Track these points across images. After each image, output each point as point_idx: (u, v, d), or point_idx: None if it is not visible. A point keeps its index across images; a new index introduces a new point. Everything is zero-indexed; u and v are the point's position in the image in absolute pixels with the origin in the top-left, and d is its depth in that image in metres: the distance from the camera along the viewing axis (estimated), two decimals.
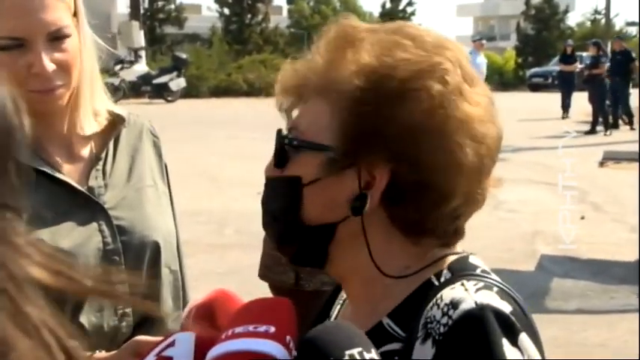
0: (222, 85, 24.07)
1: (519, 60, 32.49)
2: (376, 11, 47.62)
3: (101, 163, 1.50)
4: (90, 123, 1.49)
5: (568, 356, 4.45)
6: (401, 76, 0.91)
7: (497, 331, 0.86)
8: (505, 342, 0.87)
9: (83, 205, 1.45)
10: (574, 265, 6.34)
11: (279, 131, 0.98)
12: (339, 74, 0.93)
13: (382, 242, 0.96)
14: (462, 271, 0.95)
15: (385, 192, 0.92)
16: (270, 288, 2.16)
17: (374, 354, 0.80)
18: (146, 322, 1.46)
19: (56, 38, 1.37)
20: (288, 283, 3.32)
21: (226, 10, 31.07)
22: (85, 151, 1.50)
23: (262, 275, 2.15)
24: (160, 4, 31.85)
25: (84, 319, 1.41)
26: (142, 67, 22.65)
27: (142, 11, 28.48)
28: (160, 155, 1.60)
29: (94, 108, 1.49)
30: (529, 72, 29.50)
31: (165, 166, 1.61)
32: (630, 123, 16.03)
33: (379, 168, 0.92)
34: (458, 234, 0.99)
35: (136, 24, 25.33)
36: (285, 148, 0.96)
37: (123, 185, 1.50)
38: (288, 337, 0.85)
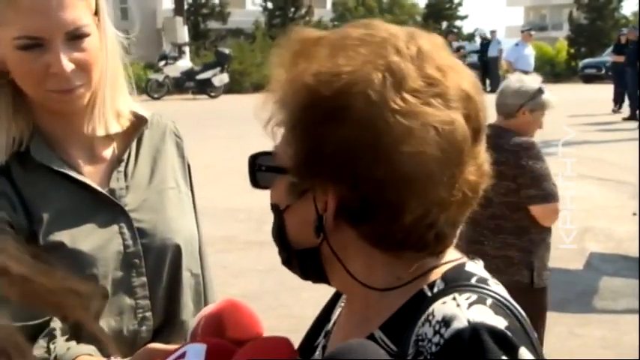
0: (265, 81, 23.97)
1: (572, 50, 31.74)
2: (422, 2, 47.09)
3: (123, 164, 1.47)
4: (112, 124, 1.46)
5: (617, 357, 4.32)
6: (329, 94, 0.88)
7: (494, 350, 0.81)
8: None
9: (104, 207, 1.42)
10: (624, 263, 6.17)
11: (252, 156, 0.99)
12: (289, 91, 0.91)
13: (362, 258, 0.93)
14: (456, 281, 0.91)
15: (340, 212, 0.90)
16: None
17: None
18: (166, 327, 1.45)
19: (75, 37, 1.34)
20: (523, 282, 3.33)
21: (270, 5, 31.18)
22: (107, 153, 1.47)
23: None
24: None
25: (103, 323, 1.38)
26: (185, 63, 22.84)
27: (185, 7, 28.72)
28: (182, 156, 1.56)
29: (116, 108, 1.46)
30: (582, 63, 28.75)
31: (189, 167, 1.58)
32: None
33: (327, 189, 0.90)
34: (443, 240, 0.93)
35: (179, 19, 25.54)
36: (260, 175, 0.97)
37: (145, 187, 1.47)
38: None
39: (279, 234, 0.96)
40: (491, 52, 22.64)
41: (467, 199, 0.91)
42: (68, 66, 1.33)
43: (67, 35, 1.33)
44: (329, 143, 0.88)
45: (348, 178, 0.88)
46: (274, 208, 0.96)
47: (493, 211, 3.28)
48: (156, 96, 20.43)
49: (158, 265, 1.43)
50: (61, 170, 1.40)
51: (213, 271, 1.59)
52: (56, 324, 1.34)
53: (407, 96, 0.87)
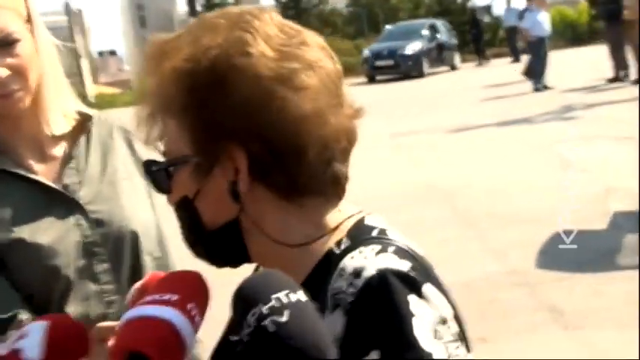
0: None
1: (593, 12, 31.20)
2: None
3: (74, 161, 1.55)
4: (59, 123, 1.54)
5: None
6: (207, 66, 0.95)
7: (401, 290, 0.90)
8: (411, 297, 0.90)
9: (59, 203, 1.50)
10: None
11: (145, 163, 1.04)
12: (164, 88, 0.97)
13: (275, 216, 0.99)
14: (360, 236, 0.98)
15: (251, 171, 0.96)
16: None
17: (300, 295, 0.83)
18: None
19: (5, 44, 1.42)
20: None
21: None
22: (57, 151, 1.56)
23: None
24: None
25: (70, 308, 1.46)
26: None
27: (199, 8, 28.83)
28: (133, 149, 1.64)
29: (61, 109, 1.54)
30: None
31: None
32: None
33: (235, 154, 0.96)
34: (338, 184, 1.01)
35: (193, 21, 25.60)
36: (158, 176, 1.02)
37: (97, 180, 1.56)
38: (190, 305, 0.91)
39: (194, 224, 1.01)
40: (508, 22, 22.40)
41: (350, 131, 1.01)
42: (1, 72, 1.41)
43: None
44: (223, 111, 0.95)
45: (250, 135, 0.95)
46: (183, 201, 1.00)
47: None
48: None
49: (118, 251, 1.51)
50: (14, 171, 1.48)
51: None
52: (23, 315, 1.42)
53: (277, 46, 0.96)
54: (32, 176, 1.50)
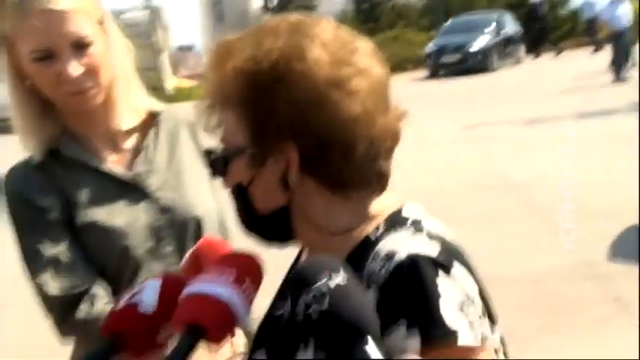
0: None
1: None
2: None
3: (143, 152, 1.70)
4: (130, 118, 1.69)
5: None
6: (267, 67, 1.03)
7: (429, 272, 0.97)
8: (440, 279, 0.97)
9: (130, 190, 1.65)
10: None
11: (205, 151, 1.15)
12: (226, 85, 1.07)
13: (322, 206, 1.08)
14: (395, 223, 1.07)
15: (301, 165, 1.05)
16: None
17: (341, 278, 0.90)
18: None
19: (80, 46, 1.56)
20: None
21: None
22: (128, 144, 1.71)
23: None
24: None
25: None
26: None
27: (274, 3, 29.10)
28: (197, 140, 1.76)
29: (132, 104, 1.69)
30: None
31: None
32: None
33: (287, 148, 1.05)
34: (381, 178, 1.10)
35: (268, 17, 25.85)
36: (216, 164, 1.12)
37: (164, 170, 1.70)
38: (245, 285, 1.01)
39: (247, 209, 1.11)
40: (588, 14, 21.87)
41: (395, 132, 1.09)
42: (75, 71, 1.55)
43: (73, 45, 1.55)
44: (278, 109, 1.04)
45: (302, 132, 1.04)
46: (238, 188, 1.10)
47: None
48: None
49: (183, 235, 1.64)
50: (90, 164, 1.64)
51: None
52: (97, 290, 1.57)
53: (333, 52, 1.05)
54: (105, 167, 1.65)
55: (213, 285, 1.00)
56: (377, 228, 1.07)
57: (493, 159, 9.04)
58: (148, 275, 1.57)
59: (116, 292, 1.57)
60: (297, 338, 0.90)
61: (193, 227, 1.66)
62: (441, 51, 21.47)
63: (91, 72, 1.57)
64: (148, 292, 1.08)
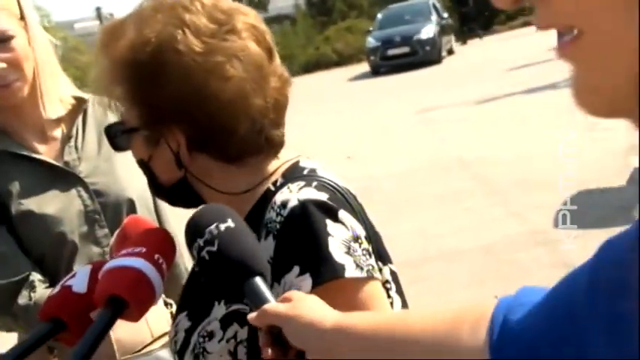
0: (313, 60, 24.26)
1: None
2: None
3: (72, 140, 1.77)
4: (57, 108, 1.76)
5: None
6: (146, 60, 1.11)
7: (319, 215, 1.06)
8: (328, 221, 1.07)
9: (62, 177, 1.73)
10: None
11: (106, 127, 1.24)
12: (113, 72, 1.15)
13: (219, 173, 1.17)
14: (292, 175, 1.16)
15: (190, 144, 1.14)
16: None
17: (229, 223, 0.98)
18: None
19: (1, 41, 1.63)
20: None
21: None
22: (57, 132, 1.78)
23: None
24: None
25: (77, 268, 1.64)
26: None
27: None
28: None
29: (58, 94, 1.76)
30: None
31: None
32: None
33: (174, 132, 1.14)
34: (272, 141, 1.18)
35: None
36: (117, 141, 1.22)
37: (94, 156, 1.77)
38: (157, 256, 1.09)
39: (152, 181, 1.21)
40: None
41: (279, 103, 1.18)
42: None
43: None
44: (162, 97, 1.13)
45: (186, 117, 1.13)
46: (140, 163, 1.20)
47: None
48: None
49: (116, 218, 1.71)
50: (19, 152, 1.70)
51: None
52: (35, 277, 1.64)
53: (206, 39, 1.12)
54: (35, 155, 1.72)
55: (126, 258, 1.08)
56: (276, 181, 1.17)
57: (447, 139, 9.20)
58: (85, 259, 1.67)
59: (56, 277, 1.64)
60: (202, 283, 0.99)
61: (127, 209, 1.74)
62: (386, 44, 19.60)
63: (14, 65, 1.64)
64: (79, 277, 1.15)
